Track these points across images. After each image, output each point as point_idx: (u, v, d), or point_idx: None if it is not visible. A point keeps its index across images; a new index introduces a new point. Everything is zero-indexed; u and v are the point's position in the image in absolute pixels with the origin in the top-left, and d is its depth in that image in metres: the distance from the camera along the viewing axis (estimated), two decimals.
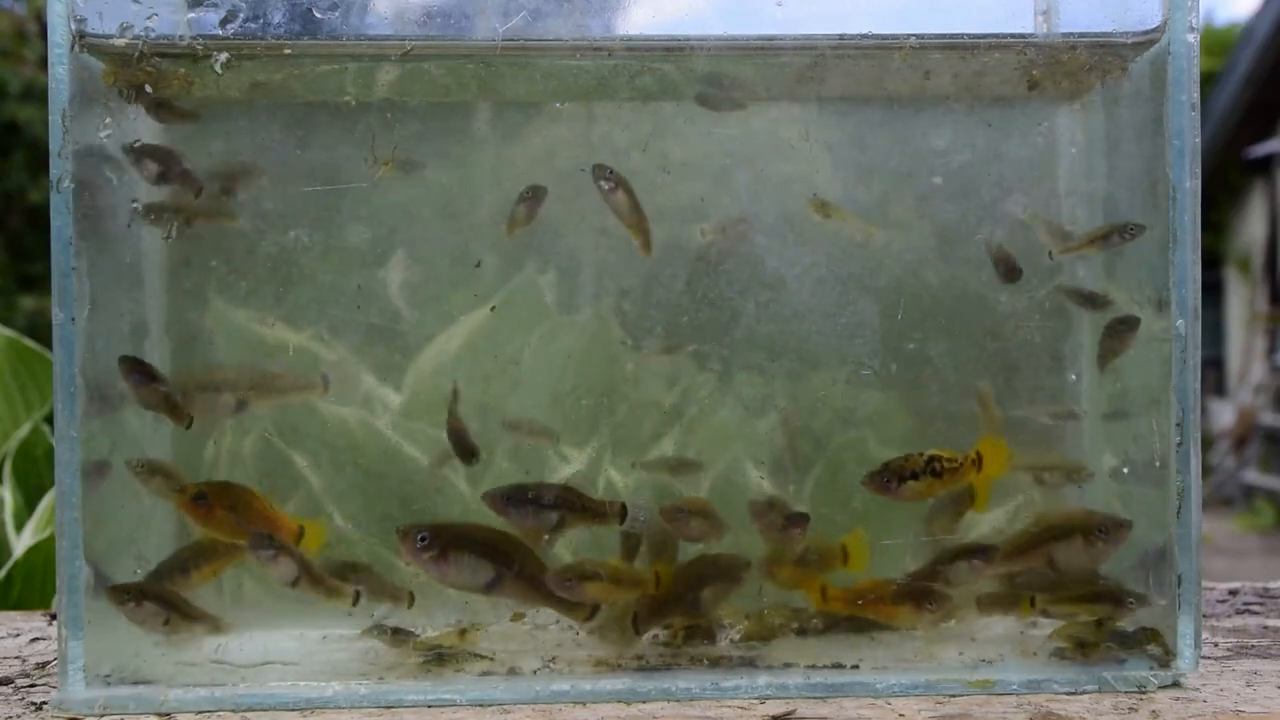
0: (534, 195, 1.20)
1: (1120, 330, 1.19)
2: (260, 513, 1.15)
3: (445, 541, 1.12)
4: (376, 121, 1.18)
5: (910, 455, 1.16)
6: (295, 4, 1.14)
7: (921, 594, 1.17)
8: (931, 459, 1.17)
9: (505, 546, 1.14)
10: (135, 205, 1.15)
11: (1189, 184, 1.12)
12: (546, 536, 1.16)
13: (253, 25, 1.13)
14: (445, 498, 1.24)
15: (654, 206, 1.22)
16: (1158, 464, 1.15)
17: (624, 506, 1.18)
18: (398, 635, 1.17)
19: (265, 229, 1.19)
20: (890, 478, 1.16)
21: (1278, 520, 9.36)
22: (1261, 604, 1.50)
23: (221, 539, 1.16)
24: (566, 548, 1.20)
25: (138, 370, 1.15)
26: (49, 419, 1.94)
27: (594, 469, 1.23)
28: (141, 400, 1.15)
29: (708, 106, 1.21)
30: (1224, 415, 11.69)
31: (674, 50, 1.17)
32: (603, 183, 1.18)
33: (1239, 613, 1.46)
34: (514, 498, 1.16)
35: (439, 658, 1.16)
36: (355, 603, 1.18)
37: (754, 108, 1.23)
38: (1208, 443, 10.81)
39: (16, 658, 1.28)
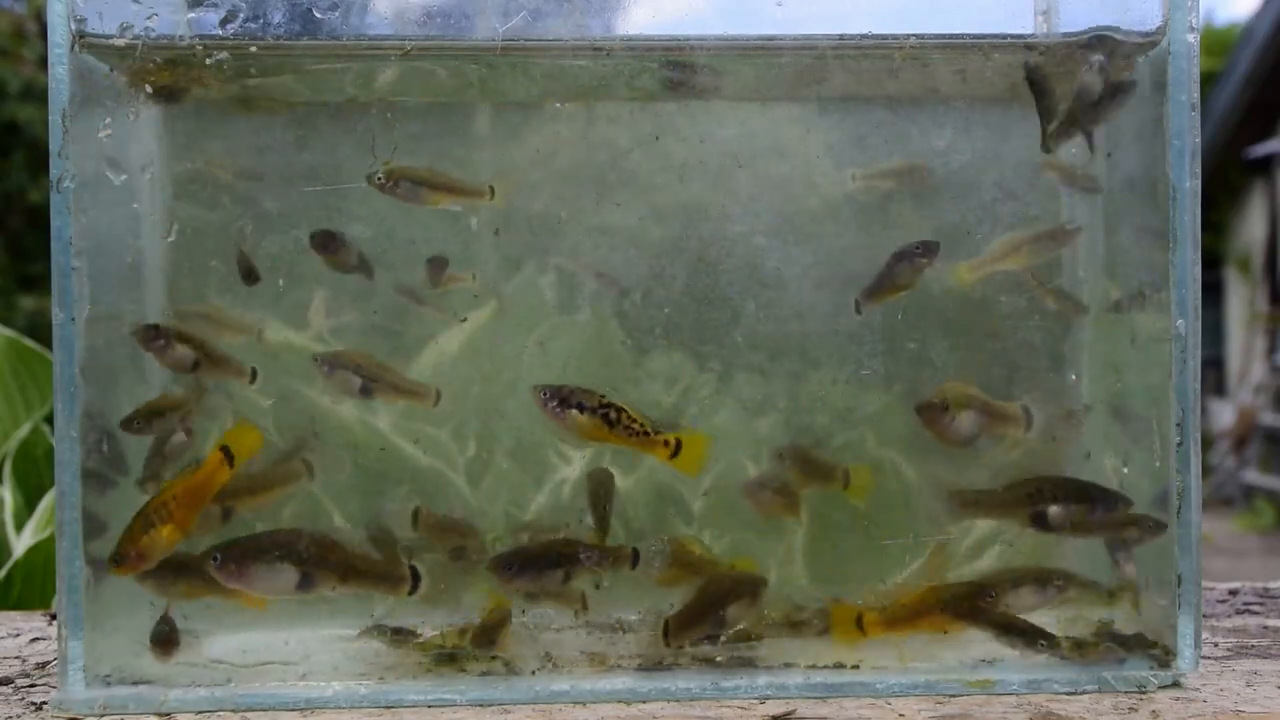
0: (434, 265, 1.20)
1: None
2: (183, 493, 1.12)
3: (238, 555, 1.11)
4: (376, 121, 1.19)
5: (594, 392, 1.15)
6: (295, 4, 1.14)
7: (977, 594, 1.16)
8: (611, 405, 1.14)
9: (305, 543, 1.13)
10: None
11: (1189, 184, 1.12)
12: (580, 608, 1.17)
13: (253, 25, 1.13)
14: (445, 496, 1.24)
15: (653, 206, 1.22)
16: (1157, 464, 1.15)
17: (635, 551, 1.17)
18: (398, 635, 1.17)
19: (265, 229, 1.19)
20: (554, 399, 1.14)
21: (1278, 520, 9.36)
22: (1261, 604, 1.50)
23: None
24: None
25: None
26: (49, 419, 1.93)
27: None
28: None
29: (675, 92, 1.20)
30: (1224, 415, 11.68)
31: (673, 50, 1.17)
32: (383, 182, 1.16)
33: (1239, 613, 1.46)
34: (514, 563, 1.15)
35: (449, 658, 1.16)
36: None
37: (754, 107, 1.23)
38: (1208, 443, 10.81)
39: (16, 658, 1.28)
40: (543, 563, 1.15)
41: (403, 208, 1.20)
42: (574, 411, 1.13)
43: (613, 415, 1.14)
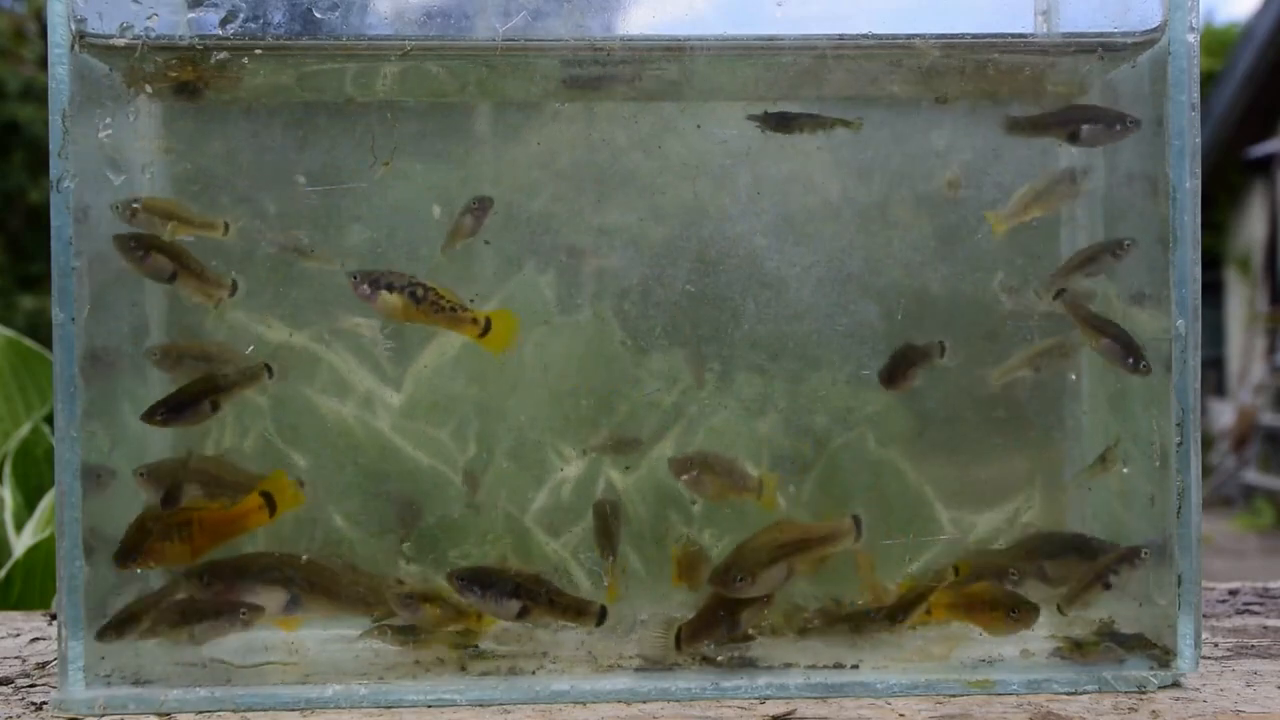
0: (480, 206, 1.19)
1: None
2: (210, 522, 1.12)
3: (225, 575, 1.11)
4: (376, 121, 1.19)
5: (403, 274, 1.14)
6: (295, 4, 1.14)
7: (1011, 604, 1.16)
8: (419, 284, 1.13)
9: (293, 566, 1.13)
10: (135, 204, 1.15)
11: (1189, 184, 1.12)
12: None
13: (253, 25, 1.13)
14: (445, 496, 1.24)
15: (652, 206, 1.22)
16: (1157, 463, 1.15)
17: (603, 610, 1.16)
18: (399, 634, 1.17)
19: (265, 229, 1.19)
20: (365, 281, 1.13)
21: (1278, 520, 9.35)
22: (1261, 604, 1.50)
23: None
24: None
25: None
26: (49, 419, 1.93)
27: (593, 470, 1.24)
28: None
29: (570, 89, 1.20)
30: (1224, 415, 11.68)
31: (674, 50, 1.17)
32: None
33: (1239, 613, 1.46)
34: (475, 580, 1.14)
35: (476, 654, 1.16)
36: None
37: (752, 107, 1.23)
38: (1208, 443, 10.80)
39: (16, 658, 1.28)
40: (499, 589, 1.14)
41: (403, 209, 1.21)
42: (384, 292, 1.13)
43: (419, 293, 1.13)
